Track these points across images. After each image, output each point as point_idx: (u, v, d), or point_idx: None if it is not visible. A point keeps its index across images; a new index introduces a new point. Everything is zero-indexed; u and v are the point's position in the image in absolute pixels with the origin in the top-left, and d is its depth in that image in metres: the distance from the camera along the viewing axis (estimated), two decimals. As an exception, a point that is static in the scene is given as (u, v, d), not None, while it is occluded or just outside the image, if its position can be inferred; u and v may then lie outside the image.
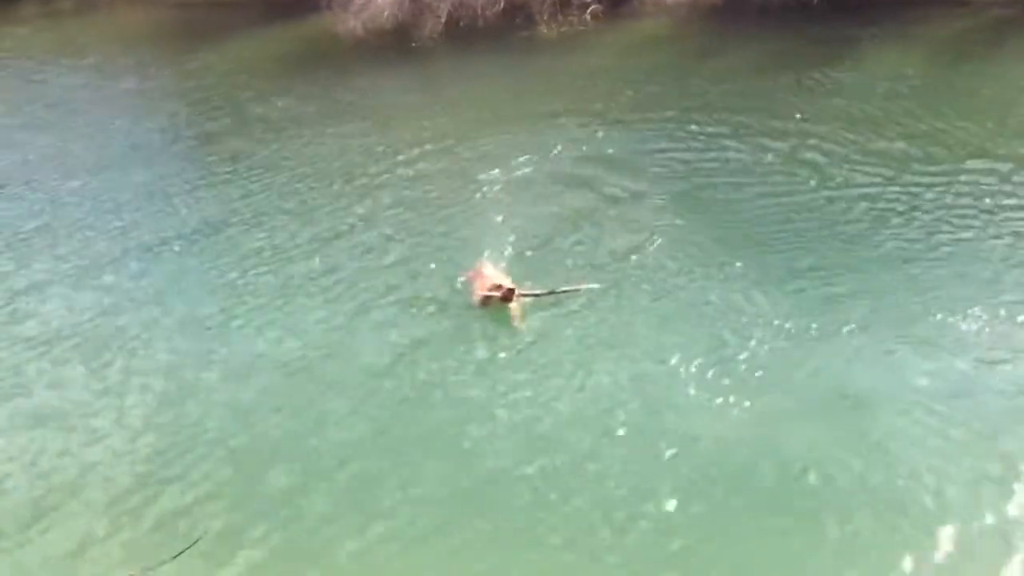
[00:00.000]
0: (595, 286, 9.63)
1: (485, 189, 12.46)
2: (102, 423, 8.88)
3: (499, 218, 11.58)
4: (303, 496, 7.77)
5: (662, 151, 13.36)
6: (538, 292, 9.71)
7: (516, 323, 9.45)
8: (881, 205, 11.27)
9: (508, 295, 9.32)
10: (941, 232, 10.55)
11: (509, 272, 10.09)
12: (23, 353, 10.04)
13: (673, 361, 8.79)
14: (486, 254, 10.48)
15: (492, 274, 9.84)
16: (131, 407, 9.04)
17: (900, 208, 11.14)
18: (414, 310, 10.01)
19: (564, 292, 9.66)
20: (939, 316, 9.05)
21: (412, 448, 8.17)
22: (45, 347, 10.10)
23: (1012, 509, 6.98)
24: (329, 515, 7.59)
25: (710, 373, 8.57)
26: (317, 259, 11.27)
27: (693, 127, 14.00)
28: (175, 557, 7.28)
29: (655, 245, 10.79)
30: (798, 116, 14.03)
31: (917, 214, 10.99)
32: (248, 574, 7.12)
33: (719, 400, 8.26)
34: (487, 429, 8.27)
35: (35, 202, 13.68)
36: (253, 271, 11.17)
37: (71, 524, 7.69)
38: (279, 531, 7.46)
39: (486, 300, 9.50)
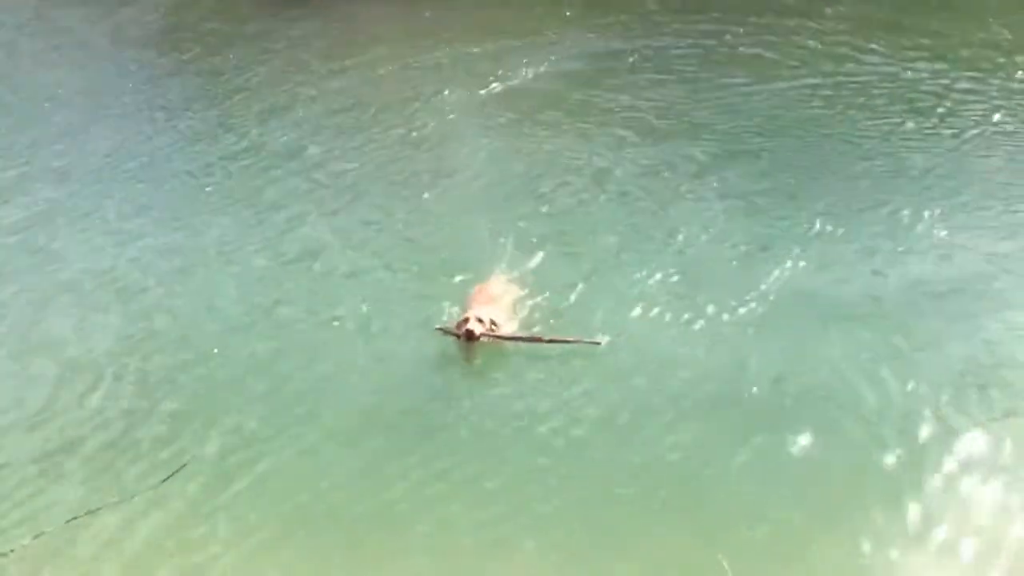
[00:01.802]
0: (600, 341, 7.94)
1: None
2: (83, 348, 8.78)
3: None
4: (293, 420, 7.67)
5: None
6: (517, 336, 8.09)
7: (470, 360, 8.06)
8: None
9: (470, 335, 7.80)
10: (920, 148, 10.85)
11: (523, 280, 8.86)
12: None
13: (638, 277, 8.87)
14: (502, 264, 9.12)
15: (496, 293, 8.49)
16: (116, 330, 8.94)
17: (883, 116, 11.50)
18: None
19: (552, 342, 7.94)
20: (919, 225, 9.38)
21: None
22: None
23: (990, 413, 7.14)
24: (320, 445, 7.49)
25: (677, 290, 8.69)
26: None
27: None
28: (163, 482, 7.22)
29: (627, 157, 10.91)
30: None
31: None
32: (236, 499, 7.04)
33: (689, 317, 8.34)
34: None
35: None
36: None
37: (57, 455, 7.61)
38: (268, 456, 7.36)
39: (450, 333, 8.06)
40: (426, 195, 10.68)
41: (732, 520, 6.52)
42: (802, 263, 8.92)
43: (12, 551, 6.71)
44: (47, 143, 12.79)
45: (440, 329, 8.06)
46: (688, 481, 6.86)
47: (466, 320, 7.82)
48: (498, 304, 8.28)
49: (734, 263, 9.08)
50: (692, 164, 10.79)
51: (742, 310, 8.37)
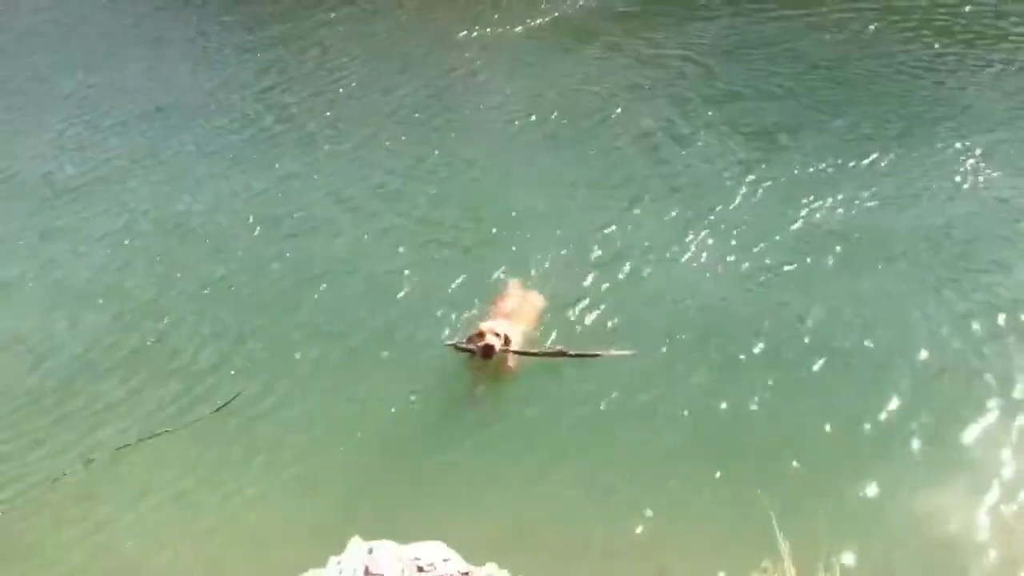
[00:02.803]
0: (633, 352, 7.03)
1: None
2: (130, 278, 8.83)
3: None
4: (347, 364, 7.52)
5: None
6: (539, 352, 7.15)
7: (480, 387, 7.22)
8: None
9: (487, 352, 6.89)
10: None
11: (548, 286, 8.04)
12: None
13: (672, 218, 8.68)
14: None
15: (515, 305, 7.58)
16: (183, 272, 8.88)
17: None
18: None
19: (581, 355, 7.01)
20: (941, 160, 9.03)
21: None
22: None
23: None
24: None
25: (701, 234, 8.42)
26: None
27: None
28: (214, 412, 7.16)
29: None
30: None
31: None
32: (281, 433, 6.95)
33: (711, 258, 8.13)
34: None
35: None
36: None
37: (103, 385, 7.59)
38: (316, 396, 7.25)
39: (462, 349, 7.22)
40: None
41: (771, 456, 6.30)
42: (838, 202, 8.62)
43: (65, 475, 6.70)
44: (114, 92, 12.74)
45: (452, 345, 7.20)
46: (728, 420, 6.62)
47: (481, 335, 6.91)
48: (517, 317, 7.40)
49: (767, 203, 8.75)
50: (726, 102, 10.46)
51: (777, 251, 8.11)
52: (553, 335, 7.34)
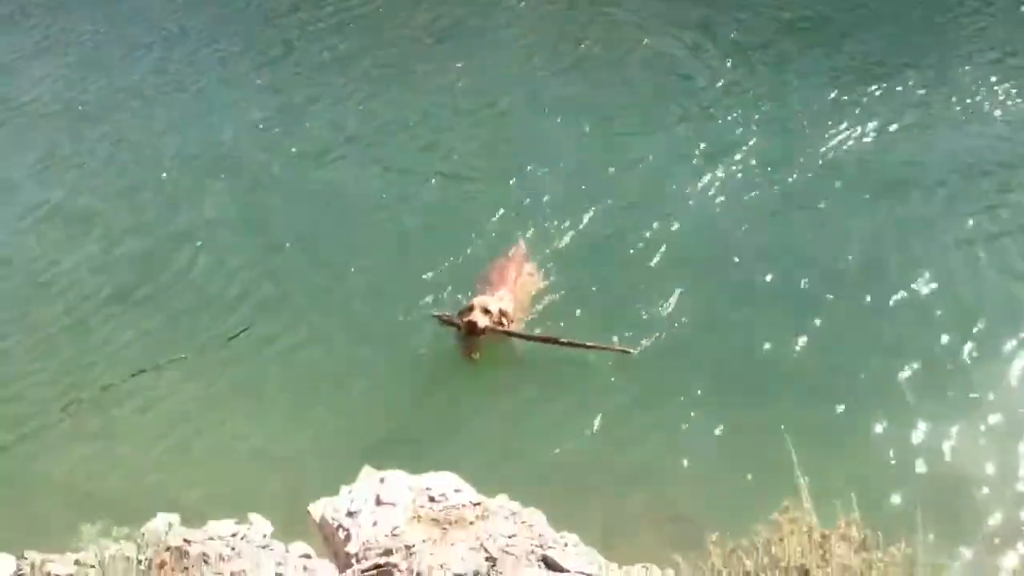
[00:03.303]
0: (632, 350, 6.47)
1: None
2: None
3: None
4: (355, 286, 7.55)
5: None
6: (530, 336, 6.71)
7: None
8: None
9: (472, 328, 6.50)
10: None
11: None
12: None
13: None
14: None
15: (514, 275, 7.08)
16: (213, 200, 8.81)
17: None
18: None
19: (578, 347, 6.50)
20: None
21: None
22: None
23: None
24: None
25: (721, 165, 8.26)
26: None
27: None
28: (228, 340, 7.15)
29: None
30: None
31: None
32: (297, 363, 6.95)
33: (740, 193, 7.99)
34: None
35: None
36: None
37: (118, 313, 7.58)
38: (320, 331, 7.22)
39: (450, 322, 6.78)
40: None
41: (791, 395, 6.20)
42: (862, 130, 8.47)
43: (81, 400, 6.71)
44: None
45: (438, 317, 6.74)
46: (746, 357, 6.53)
47: (470, 309, 6.54)
48: (515, 289, 6.94)
49: (788, 132, 8.61)
50: (752, 33, 10.19)
51: (801, 182, 8.01)
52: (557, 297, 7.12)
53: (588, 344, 6.42)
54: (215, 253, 8.03)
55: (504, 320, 6.56)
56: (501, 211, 7.97)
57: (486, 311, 6.48)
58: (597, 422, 6.11)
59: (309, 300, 7.44)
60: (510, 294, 6.81)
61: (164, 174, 9.14)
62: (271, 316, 7.32)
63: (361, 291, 7.46)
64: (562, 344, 6.42)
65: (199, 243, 8.13)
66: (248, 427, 6.39)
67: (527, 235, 7.63)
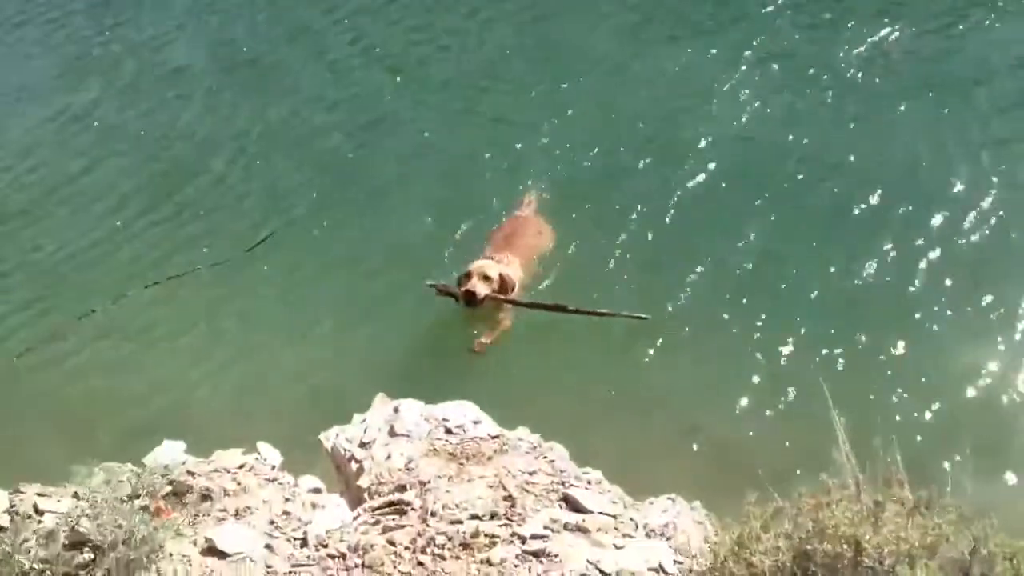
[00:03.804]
0: (645, 316, 5.83)
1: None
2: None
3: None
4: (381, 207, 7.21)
5: None
6: (535, 304, 6.10)
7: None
8: None
9: (470, 298, 5.90)
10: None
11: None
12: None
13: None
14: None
15: (523, 233, 6.56)
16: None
17: None
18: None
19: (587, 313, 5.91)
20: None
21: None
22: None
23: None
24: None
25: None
26: None
27: None
28: (247, 251, 6.92)
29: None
30: None
31: None
32: (315, 275, 6.74)
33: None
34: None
35: None
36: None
37: (139, 221, 7.40)
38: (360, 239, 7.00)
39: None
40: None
41: (820, 315, 5.90)
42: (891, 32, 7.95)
43: (94, 311, 6.54)
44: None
45: (433, 286, 6.09)
46: (776, 271, 6.26)
47: (468, 276, 5.95)
48: (522, 250, 6.40)
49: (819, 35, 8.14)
50: None
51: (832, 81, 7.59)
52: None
53: (600, 312, 5.84)
54: (248, 167, 7.77)
55: (506, 286, 5.98)
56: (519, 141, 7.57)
57: (485, 278, 5.90)
58: (625, 352, 5.84)
59: (345, 221, 7.15)
60: (516, 257, 6.28)
61: (201, 81, 8.83)
62: (303, 233, 7.08)
63: (398, 218, 7.11)
64: (570, 312, 5.86)
65: (234, 154, 7.89)
66: (263, 347, 6.19)
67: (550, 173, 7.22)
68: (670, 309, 6.06)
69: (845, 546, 2.51)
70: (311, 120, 8.21)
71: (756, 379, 5.58)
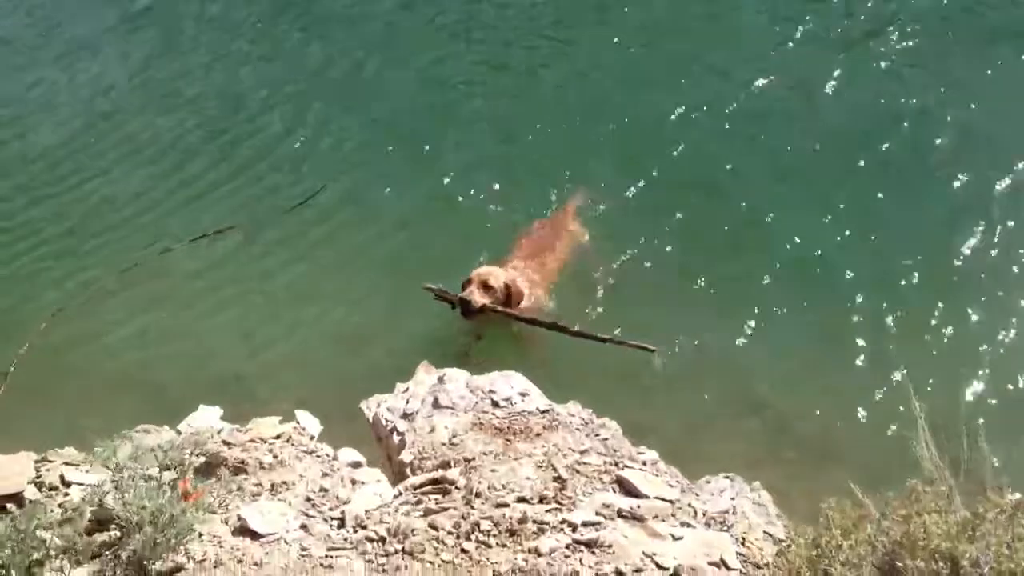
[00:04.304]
0: (652, 348, 5.18)
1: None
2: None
3: None
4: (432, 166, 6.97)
5: None
6: (535, 320, 5.45)
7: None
8: None
9: (465, 307, 5.39)
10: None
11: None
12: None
13: None
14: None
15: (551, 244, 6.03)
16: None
17: None
18: None
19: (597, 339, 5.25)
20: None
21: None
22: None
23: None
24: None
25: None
26: None
27: None
28: (298, 205, 6.75)
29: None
30: None
31: None
32: (366, 241, 6.50)
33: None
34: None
35: None
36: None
37: (179, 178, 7.25)
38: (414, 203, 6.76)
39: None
40: None
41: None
42: None
43: (136, 265, 6.41)
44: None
45: (430, 289, 5.54)
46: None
47: (469, 282, 5.46)
48: (549, 261, 5.89)
49: None
50: None
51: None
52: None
53: (603, 337, 5.19)
54: (304, 126, 7.54)
55: (511, 297, 5.45)
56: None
57: (486, 286, 5.39)
58: (679, 322, 5.55)
59: (401, 186, 6.89)
60: (539, 267, 5.79)
61: (260, 39, 8.62)
62: (354, 196, 6.86)
63: (454, 185, 6.81)
64: (572, 334, 5.28)
65: (290, 113, 7.68)
66: (306, 310, 5.99)
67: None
68: (727, 275, 5.80)
69: (940, 563, 2.23)
70: (372, 80, 7.92)
71: (826, 354, 5.30)
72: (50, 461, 3.42)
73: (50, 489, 3.21)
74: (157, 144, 7.57)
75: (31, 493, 3.16)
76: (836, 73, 7.02)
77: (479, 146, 7.09)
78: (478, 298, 5.33)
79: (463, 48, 8.04)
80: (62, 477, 3.25)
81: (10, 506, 3.05)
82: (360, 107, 7.63)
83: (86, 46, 8.86)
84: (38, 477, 3.26)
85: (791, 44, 7.39)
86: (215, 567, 2.92)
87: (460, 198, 6.61)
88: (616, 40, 7.73)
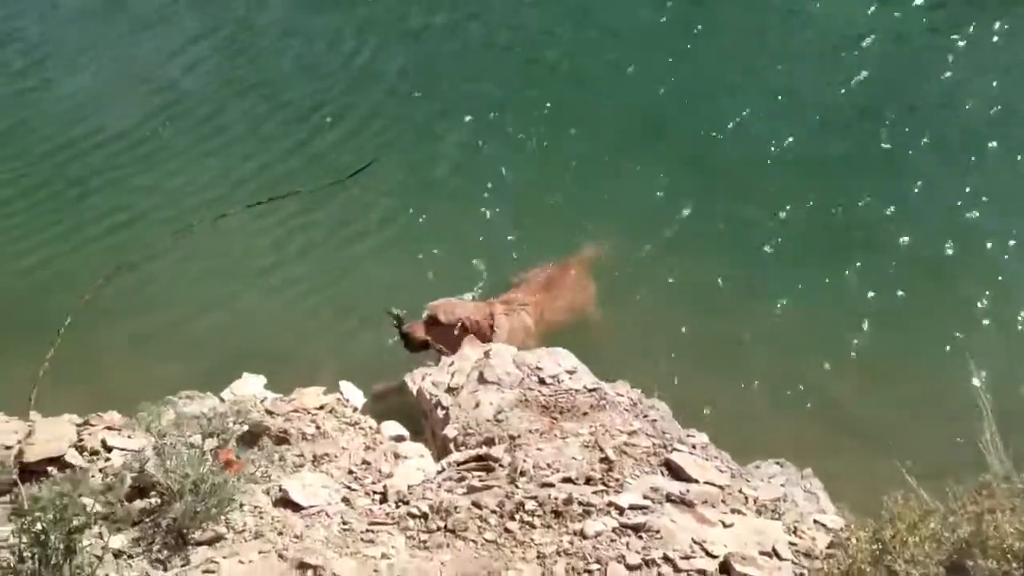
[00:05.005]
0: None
1: None
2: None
3: None
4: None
5: None
6: None
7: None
8: None
9: (406, 341, 5.02)
10: None
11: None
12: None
13: None
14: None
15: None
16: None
17: None
18: None
19: None
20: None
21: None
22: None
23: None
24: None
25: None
26: None
27: None
28: (345, 179, 6.65)
29: None
30: None
31: None
32: (417, 207, 6.43)
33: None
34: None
35: None
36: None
37: (234, 149, 7.20)
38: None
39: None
40: None
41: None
42: None
43: (191, 227, 6.34)
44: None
45: (390, 314, 5.01)
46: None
47: (424, 312, 5.05)
48: (551, 306, 5.39)
49: None
50: None
51: None
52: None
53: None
54: (358, 96, 7.50)
55: (474, 330, 4.96)
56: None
57: (434, 321, 4.98)
58: (729, 299, 5.44)
59: (450, 152, 6.88)
60: (539, 307, 5.30)
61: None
62: (406, 163, 6.84)
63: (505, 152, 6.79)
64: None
65: (345, 83, 7.63)
66: (356, 278, 5.93)
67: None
68: (775, 250, 5.68)
69: (1014, 563, 2.10)
70: (424, 50, 7.90)
71: (883, 341, 5.13)
72: (92, 425, 3.40)
73: (92, 453, 3.19)
74: (223, 116, 7.50)
75: (72, 457, 3.15)
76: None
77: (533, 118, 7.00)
78: (418, 334, 4.97)
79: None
80: (104, 442, 3.23)
81: (51, 469, 3.04)
82: (414, 78, 7.57)
83: (142, 22, 8.71)
84: (80, 441, 3.25)
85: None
86: (255, 538, 2.88)
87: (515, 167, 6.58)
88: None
